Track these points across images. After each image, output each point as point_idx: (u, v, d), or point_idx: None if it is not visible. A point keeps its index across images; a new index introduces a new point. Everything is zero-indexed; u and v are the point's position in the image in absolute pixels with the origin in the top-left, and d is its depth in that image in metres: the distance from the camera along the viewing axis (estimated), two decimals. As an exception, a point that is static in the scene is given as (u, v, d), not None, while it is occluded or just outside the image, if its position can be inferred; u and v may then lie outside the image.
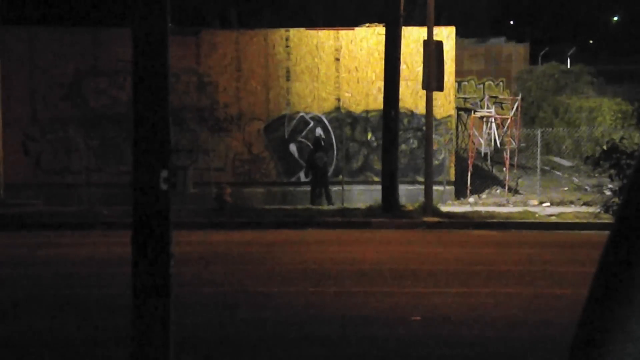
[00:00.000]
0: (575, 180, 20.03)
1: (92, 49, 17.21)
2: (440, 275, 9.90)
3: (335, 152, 17.71)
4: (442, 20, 23.27)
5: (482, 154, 21.99)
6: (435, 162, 17.13)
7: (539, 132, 18.59)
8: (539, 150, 18.45)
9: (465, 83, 28.09)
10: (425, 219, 14.78)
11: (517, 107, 24.01)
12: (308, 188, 17.37)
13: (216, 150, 17.51)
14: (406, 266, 10.51)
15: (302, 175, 17.61)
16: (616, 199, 13.98)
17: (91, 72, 17.25)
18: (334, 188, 17.48)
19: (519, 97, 24.57)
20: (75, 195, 16.68)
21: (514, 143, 21.96)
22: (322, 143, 17.04)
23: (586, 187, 18.71)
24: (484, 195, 18.27)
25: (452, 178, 17.90)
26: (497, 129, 23.05)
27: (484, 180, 19.08)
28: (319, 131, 17.23)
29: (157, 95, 4.83)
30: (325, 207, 16.36)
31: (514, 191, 18.51)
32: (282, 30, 17.65)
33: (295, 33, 17.60)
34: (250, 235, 13.56)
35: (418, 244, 12.81)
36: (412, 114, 17.70)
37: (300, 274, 10.05)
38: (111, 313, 7.96)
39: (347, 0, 28.70)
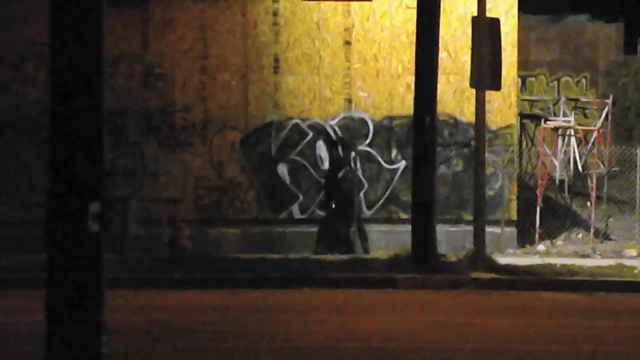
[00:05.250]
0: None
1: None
2: None
3: (343, 178, 17.65)
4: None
5: (557, 182, 21.96)
6: (490, 193, 17.07)
7: (639, 151, 18.58)
8: (638, 176, 18.43)
9: (533, 79, 28.10)
10: (475, 275, 14.75)
11: (607, 115, 24.03)
12: (305, 228, 17.30)
13: (171, 173, 17.47)
14: (446, 344, 10.38)
15: (295, 209, 17.55)
16: None
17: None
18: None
19: (610, 101, 24.60)
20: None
21: (602, 166, 21.92)
22: (340, 147, 17.05)
23: None
24: (559, 242, 18.21)
25: (514, 216, 17.84)
26: (578, 146, 23.04)
27: (559, 220, 19.02)
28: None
29: (85, 92, 4.78)
30: (340, 255, 16.31)
31: (603, 236, 18.45)
32: (269, 1, 17.72)
33: (287, 5, 17.66)
34: (217, 298, 13.43)
35: (464, 311, 12.69)
36: (455, 123, 17.70)
37: (288, 358, 9.92)
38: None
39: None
